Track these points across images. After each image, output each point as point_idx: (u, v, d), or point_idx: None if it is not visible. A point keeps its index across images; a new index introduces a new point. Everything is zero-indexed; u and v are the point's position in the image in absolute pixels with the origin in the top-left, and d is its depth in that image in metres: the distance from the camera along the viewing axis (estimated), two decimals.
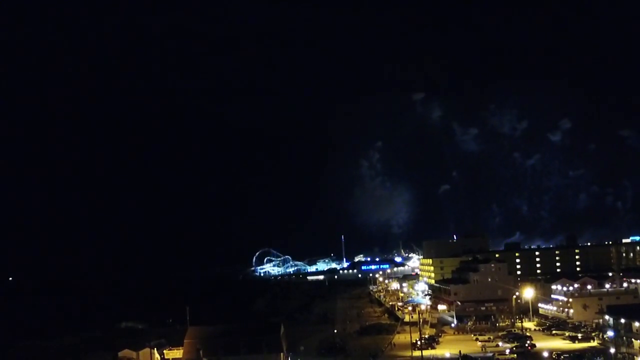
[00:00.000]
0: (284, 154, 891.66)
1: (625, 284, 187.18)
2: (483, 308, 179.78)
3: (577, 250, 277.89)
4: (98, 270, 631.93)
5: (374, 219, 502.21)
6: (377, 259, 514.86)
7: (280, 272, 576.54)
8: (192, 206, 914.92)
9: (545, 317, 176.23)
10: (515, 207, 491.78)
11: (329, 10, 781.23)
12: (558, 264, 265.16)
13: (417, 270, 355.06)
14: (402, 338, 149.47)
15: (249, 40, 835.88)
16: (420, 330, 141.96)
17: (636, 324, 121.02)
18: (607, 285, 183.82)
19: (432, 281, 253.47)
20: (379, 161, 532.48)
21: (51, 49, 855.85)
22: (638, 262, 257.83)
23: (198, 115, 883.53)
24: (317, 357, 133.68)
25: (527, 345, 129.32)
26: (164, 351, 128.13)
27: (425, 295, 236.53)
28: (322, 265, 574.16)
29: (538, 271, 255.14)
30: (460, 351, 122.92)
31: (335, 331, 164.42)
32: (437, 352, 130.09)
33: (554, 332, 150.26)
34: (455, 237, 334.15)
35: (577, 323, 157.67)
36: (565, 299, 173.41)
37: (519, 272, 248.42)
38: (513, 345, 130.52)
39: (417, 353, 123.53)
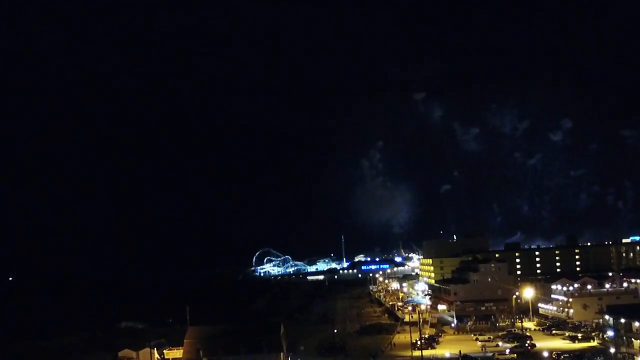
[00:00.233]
0: (284, 154, 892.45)
1: (625, 284, 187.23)
2: (483, 308, 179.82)
3: (577, 250, 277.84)
4: (98, 270, 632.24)
5: (374, 219, 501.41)
6: (377, 259, 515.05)
7: (280, 272, 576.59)
8: (192, 206, 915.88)
9: (545, 317, 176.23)
10: (516, 207, 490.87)
11: (329, 9, 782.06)
12: (558, 264, 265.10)
13: (417, 270, 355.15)
14: (402, 338, 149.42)
15: (249, 40, 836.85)
16: (420, 330, 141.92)
17: (636, 323, 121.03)
18: (607, 285, 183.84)
19: (432, 281, 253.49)
20: (379, 161, 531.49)
21: (51, 49, 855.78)
22: (638, 262, 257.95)
23: (198, 115, 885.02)
24: (317, 357, 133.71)
25: (527, 345, 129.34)
26: (164, 351, 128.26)
27: (425, 295, 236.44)
28: (322, 265, 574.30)
29: (538, 271, 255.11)
30: (460, 351, 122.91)
31: (335, 331, 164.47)
32: (437, 352, 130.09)
33: (554, 332, 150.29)
34: (455, 237, 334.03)
35: (577, 323, 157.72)
36: (565, 299, 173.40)
37: (519, 272, 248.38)
38: (513, 345, 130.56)
39: (417, 353, 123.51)
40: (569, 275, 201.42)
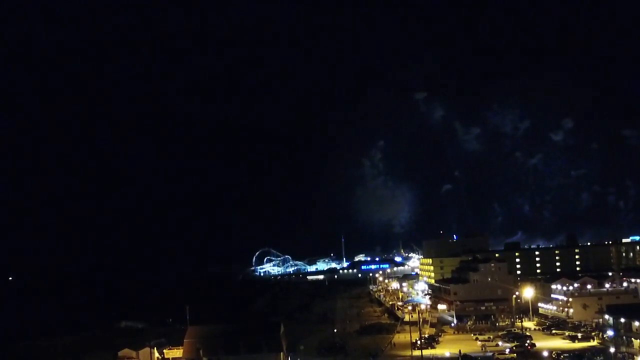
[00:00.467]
0: (285, 154, 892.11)
1: (625, 284, 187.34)
2: (483, 308, 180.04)
3: (577, 250, 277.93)
4: (98, 270, 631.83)
5: (375, 219, 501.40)
6: (377, 259, 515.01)
7: (280, 272, 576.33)
8: (192, 206, 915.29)
9: (545, 316, 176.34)
10: (517, 207, 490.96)
11: (330, 9, 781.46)
12: (558, 264, 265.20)
13: (417, 270, 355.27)
14: (402, 338, 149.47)
15: (248, 40, 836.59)
16: (420, 330, 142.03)
17: (636, 323, 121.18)
18: (607, 285, 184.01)
19: (432, 281, 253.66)
20: (380, 160, 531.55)
21: (50, 48, 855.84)
22: (638, 262, 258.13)
23: (198, 115, 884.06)
24: (317, 357, 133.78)
25: (526, 344, 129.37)
26: (164, 350, 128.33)
27: (425, 294, 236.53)
28: (322, 265, 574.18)
29: (538, 271, 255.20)
30: (460, 351, 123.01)
31: (335, 331, 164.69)
32: (437, 351, 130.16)
33: (553, 331, 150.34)
34: (455, 237, 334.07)
35: (577, 323, 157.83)
36: (565, 299, 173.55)
37: (519, 272, 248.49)
38: (513, 344, 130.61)
39: (417, 352, 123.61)
40: (569, 275, 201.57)
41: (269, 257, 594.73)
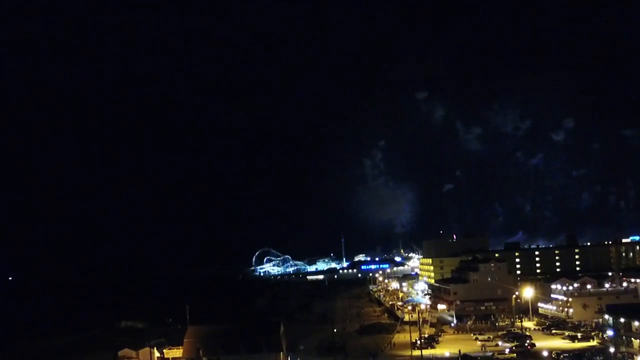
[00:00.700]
0: (285, 154, 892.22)
1: (625, 284, 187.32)
2: (483, 307, 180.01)
3: (576, 250, 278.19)
4: (98, 270, 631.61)
5: (375, 219, 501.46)
6: (377, 259, 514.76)
7: (280, 272, 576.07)
8: (192, 206, 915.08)
9: (545, 316, 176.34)
10: (518, 207, 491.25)
11: (330, 9, 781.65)
12: (558, 264, 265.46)
13: (417, 270, 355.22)
14: (401, 337, 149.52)
15: (249, 40, 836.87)
16: (420, 330, 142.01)
17: (635, 323, 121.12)
18: (607, 285, 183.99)
19: (432, 281, 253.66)
20: (380, 160, 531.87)
21: (50, 48, 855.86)
22: (638, 262, 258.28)
23: (198, 115, 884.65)
24: (317, 357, 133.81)
25: (526, 344, 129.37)
26: (164, 350, 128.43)
27: (425, 294, 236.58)
28: (321, 265, 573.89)
29: (538, 271, 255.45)
30: (459, 350, 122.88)
31: (335, 331, 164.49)
32: (437, 351, 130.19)
33: (553, 331, 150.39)
34: (455, 237, 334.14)
35: (576, 322, 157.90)
36: (565, 299, 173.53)
37: (518, 272, 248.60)
38: (513, 344, 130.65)
39: (416, 352, 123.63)
40: (568, 275, 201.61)
41: (268, 257, 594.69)
